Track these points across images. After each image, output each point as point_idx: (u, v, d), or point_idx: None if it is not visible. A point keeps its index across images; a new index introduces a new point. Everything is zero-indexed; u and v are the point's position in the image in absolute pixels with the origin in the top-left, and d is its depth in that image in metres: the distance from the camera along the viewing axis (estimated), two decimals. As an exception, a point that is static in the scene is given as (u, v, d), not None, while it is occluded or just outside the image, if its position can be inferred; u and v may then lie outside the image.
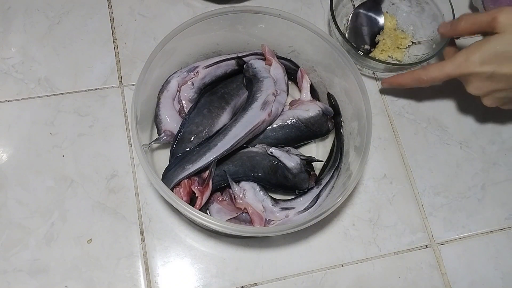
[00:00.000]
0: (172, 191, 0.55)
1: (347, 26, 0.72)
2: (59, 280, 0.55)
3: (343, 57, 0.59)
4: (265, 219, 0.56)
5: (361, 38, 0.71)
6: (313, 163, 0.62)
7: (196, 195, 0.55)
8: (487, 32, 0.56)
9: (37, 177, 0.60)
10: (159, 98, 0.60)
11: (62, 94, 0.64)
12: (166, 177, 0.56)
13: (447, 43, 0.65)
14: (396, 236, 0.62)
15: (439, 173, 0.66)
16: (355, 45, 0.66)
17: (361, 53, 0.65)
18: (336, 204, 0.51)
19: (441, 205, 0.65)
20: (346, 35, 0.70)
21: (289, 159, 0.58)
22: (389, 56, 0.71)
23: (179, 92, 0.61)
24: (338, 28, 0.65)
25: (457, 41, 0.66)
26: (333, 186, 0.58)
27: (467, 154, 0.68)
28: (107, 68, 0.66)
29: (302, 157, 0.59)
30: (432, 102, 0.70)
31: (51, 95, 0.64)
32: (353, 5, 0.72)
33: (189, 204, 0.52)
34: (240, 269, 0.58)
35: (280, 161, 0.58)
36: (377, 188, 0.65)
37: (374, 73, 0.71)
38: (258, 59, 0.65)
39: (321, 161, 0.62)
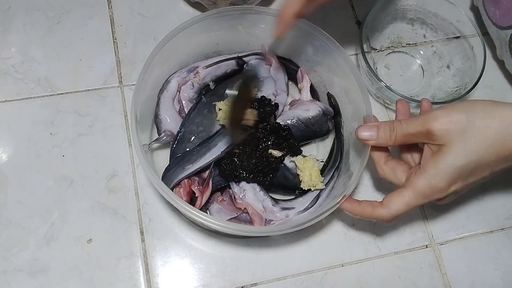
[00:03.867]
0: (172, 191, 0.55)
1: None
2: (59, 280, 0.55)
3: (343, 57, 0.59)
4: (265, 219, 0.56)
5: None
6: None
7: (196, 195, 0.55)
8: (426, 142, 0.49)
9: (37, 177, 0.60)
10: (159, 98, 0.60)
11: (62, 94, 0.64)
12: (166, 177, 0.56)
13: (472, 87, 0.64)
14: (396, 236, 0.62)
15: (439, 173, 0.66)
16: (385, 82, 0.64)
17: (383, 84, 0.64)
18: (336, 204, 0.51)
19: (441, 205, 0.64)
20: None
21: (289, 159, 0.58)
22: None
23: (179, 92, 0.61)
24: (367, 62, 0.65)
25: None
26: (333, 186, 0.58)
27: (467, 154, 0.68)
28: (107, 68, 0.66)
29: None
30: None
31: (51, 95, 0.64)
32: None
33: (189, 204, 0.52)
34: (240, 269, 0.58)
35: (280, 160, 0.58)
36: (377, 188, 0.65)
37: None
38: (258, 59, 0.65)
39: (321, 161, 0.62)
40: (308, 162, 0.57)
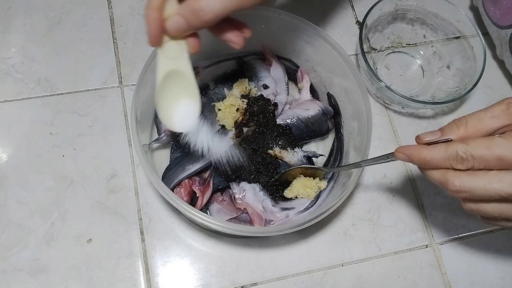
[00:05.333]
0: (173, 191, 0.55)
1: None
2: (59, 280, 0.55)
3: (343, 57, 0.59)
4: (265, 219, 0.56)
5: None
6: (313, 160, 0.62)
7: (197, 195, 0.55)
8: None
9: (37, 177, 0.60)
10: (159, 98, 0.60)
11: (62, 94, 0.64)
12: (166, 177, 0.56)
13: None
14: (396, 236, 0.62)
15: (439, 173, 0.66)
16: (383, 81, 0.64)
17: (383, 84, 0.64)
18: (336, 204, 0.51)
19: (441, 205, 0.65)
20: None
21: (291, 157, 0.58)
22: None
23: (179, 92, 0.61)
24: (365, 59, 0.65)
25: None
26: (333, 186, 0.58)
27: (467, 154, 0.68)
28: (107, 68, 0.66)
29: (304, 154, 0.59)
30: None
31: (51, 95, 0.64)
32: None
33: (190, 204, 0.52)
34: (240, 269, 0.58)
35: (281, 159, 0.58)
36: (377, 188, 0.65)
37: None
38: (258, 59, 0.65)
39: (322, 155, 0.62)
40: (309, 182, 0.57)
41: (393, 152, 0.44)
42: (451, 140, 0.41)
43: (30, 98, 0.64)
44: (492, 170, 0.39)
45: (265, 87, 0.63)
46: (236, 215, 0.57)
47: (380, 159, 0.47)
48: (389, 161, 0.46)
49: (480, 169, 0.39)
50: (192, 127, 0.47)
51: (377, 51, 0.73)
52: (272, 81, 0.63)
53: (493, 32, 0.71)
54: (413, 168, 0.66)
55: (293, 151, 0.59)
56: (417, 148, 0.42)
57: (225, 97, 0.59)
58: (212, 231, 0.59)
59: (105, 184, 0.60)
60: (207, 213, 0.57)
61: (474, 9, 0.76)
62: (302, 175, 0.58)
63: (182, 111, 0.46)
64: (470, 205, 0.42)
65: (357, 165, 0.52)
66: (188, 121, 0.47)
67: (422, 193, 0.65)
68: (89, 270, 0.56)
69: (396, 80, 0.72)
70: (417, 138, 0.43)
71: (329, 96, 0.64)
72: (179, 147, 0.58)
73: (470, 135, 0.41)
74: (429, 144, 0.42)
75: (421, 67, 0.73)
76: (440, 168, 0.41)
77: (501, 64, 0.73)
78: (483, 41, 0.66)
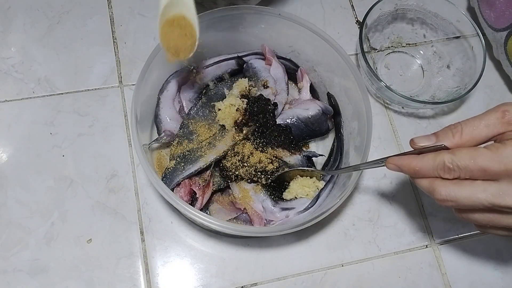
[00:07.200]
0: (173, 191, 0.55)
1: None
2: (59, 280, 0.55)
3: (343, 57, 0.59)
4: (265, 219, 0.56)
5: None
6: (313, 159, 0.62)
7: (197, 195, 0.55)
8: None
9: (37, 177, 0.60)
10: (159, 98, 0.60)
11: (62, 94, 0.64)
12: (166, 177, 0.56)
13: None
14: (396, 236, 0.62)
15: (439, 173, 0.66)
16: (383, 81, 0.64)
17: (383, 84, 0.64)
18: (336, 204, 0.51)
19: (441, 205, 0.64)
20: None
21: (291, 157, 0.58)
22: None
23: (179, 92, 0.61)
24: (366, 60, 0.65)
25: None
26: (333, 186, 0.58)
27: (467, 154, 0.68)
28: (107, 68, 0.66)
29: (303, 154, 0.59)
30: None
31: (51, 95, 0.64)
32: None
33: (190, 204, 0.51)
34: (240, 269, 0.58)
35: (281, 159, 0.58)
36: (377, 188, 0.65)
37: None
38: (258, 59, 0.65)
39: (322, 155, 0.62)
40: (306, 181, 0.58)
41: (387, 157, 0.45)
42: (444, 146, 0.41)
43: (30, 98, 0.64)
44: (477, 180, 0.40)
45: (265, 87, 0.63)
46: (236, 215, 0.57)
47: (375, 163, 0.48)
48: (383, 166, 0.46)
49: (467, 179, 0.40)
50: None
51: (377, 51, 0.73)
52: (272, 81, 0.63)
53: (489, 34, 0.71)
54: (413, 168, 0.66)
55: (293, 151, 0.59)
56: (407, 158, 0.43)
57: (225, 97, 0.59)
58: (212, 231, 0.59)
59: (105, 184, 0.60)
60: (207, 213, 0.57)
61: (471, 10, 0.76)
62: (299, 176, 0.58)
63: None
64: (460, 213, 0.43)
65: (355, 168, 0.53)
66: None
67: (422, 193, 0.65)
68: (89, 270, 0.56)
69: (396, 80, 0.72)
70: (412, 142, 0.43)
71: (329, 96, 0.64)
72: (179, 147, 0.58)
73: (465, 143, 0.41)
74: (422, 148, 0.42)
75: (421, 67, 0.73)
76: (428, 177, 0.42)
77: (500, 64, 0.73)
78: (483, 41, 0.66)
